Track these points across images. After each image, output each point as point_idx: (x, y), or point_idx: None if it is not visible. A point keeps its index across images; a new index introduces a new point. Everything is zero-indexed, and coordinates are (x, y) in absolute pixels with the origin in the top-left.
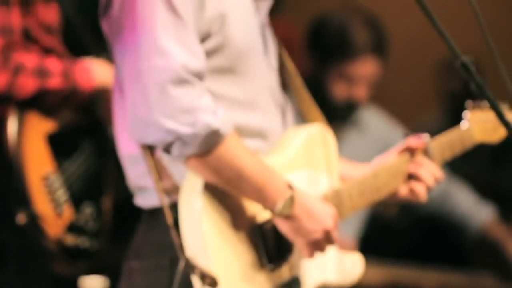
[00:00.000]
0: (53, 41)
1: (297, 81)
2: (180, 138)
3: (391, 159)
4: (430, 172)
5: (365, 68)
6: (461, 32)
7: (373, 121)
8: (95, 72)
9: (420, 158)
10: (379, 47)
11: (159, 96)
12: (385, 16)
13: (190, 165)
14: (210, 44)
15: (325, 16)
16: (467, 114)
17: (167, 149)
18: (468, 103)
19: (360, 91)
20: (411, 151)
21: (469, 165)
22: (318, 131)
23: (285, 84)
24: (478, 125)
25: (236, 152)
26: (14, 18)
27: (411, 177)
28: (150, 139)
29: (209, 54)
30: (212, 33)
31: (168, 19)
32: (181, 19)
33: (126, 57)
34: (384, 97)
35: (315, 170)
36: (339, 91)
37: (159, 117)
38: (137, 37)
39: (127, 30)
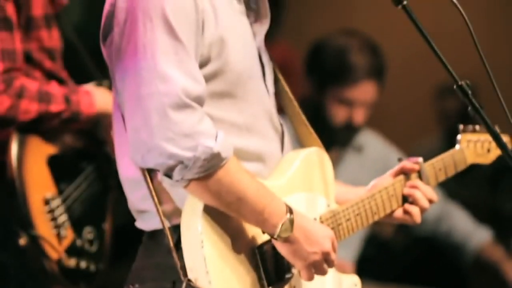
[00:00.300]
0: (55, 66)
1: (294, 106)
2: (181, 162)
3: (386, 182)
4: (425, 194)
5: (364, 93)
6: (459, 55)
7: (371, 143)
8: (96, 97)
9: (414, 180)
10: (378, 71)
11: (160, 121)
12: (383, 40)
13: (191, 189)
14: (210, 68)
15: (323, 41)
16: (459, 137)
17: (168, 173)
18: (460, 126)
19: (359, 115)
20: (405, 173)
21: (467, 188)
22: (315, 155)
23: (282, 109)
24: (471, 147)
25: (237, 175)
26: (17, 43)
27: (406, 199)
28: (151, 163)
29: (209, 78)
30: (212, 58)
31: (168, 44)
32: (182, 44)
33: (126, 83)
34: (382, 120)
35: (313, 192)
36: (338, 114)
37: (161, 141)
38: (138, 62)
39: (128, 55)
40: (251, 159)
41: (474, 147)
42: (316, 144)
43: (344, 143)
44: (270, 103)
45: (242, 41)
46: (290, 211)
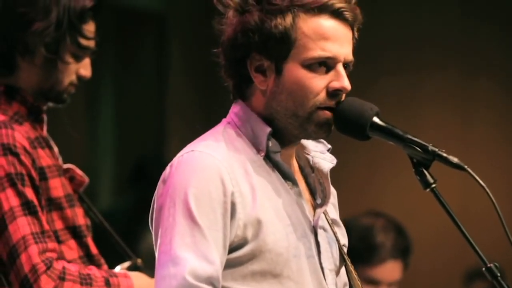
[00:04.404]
0: (83, 243)
1: (358, 285)
2: None
3: None
4: None
5: (390, 272)
6: (487, 236)
7: None
8: (134, 280)
9: None
10: (403, 251)
11: None
12: (409, 222)
13: None
14: (248, 249)
15: (349, 221)
16: None
17: None
18: None
19: None
20: None
21: None
22: None
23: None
24: None
25: None
26: (45, 224)
27: None
28: None
29: (248, 259)
30: (249, 239)
31: (186, 228)
32: (199, 226)
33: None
34: None
35: None
36: None
37: None
38: (160, 247)
39: (156, 237)
40: None
41: None
42: None
43: None
44: (323, 280)
45: (286, 221)
46: None
